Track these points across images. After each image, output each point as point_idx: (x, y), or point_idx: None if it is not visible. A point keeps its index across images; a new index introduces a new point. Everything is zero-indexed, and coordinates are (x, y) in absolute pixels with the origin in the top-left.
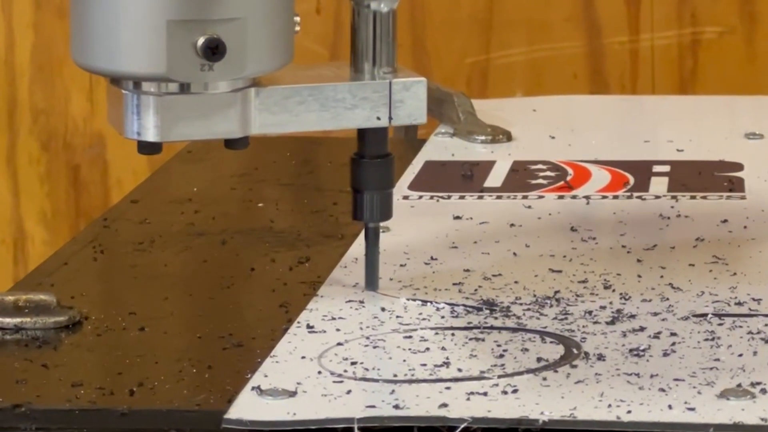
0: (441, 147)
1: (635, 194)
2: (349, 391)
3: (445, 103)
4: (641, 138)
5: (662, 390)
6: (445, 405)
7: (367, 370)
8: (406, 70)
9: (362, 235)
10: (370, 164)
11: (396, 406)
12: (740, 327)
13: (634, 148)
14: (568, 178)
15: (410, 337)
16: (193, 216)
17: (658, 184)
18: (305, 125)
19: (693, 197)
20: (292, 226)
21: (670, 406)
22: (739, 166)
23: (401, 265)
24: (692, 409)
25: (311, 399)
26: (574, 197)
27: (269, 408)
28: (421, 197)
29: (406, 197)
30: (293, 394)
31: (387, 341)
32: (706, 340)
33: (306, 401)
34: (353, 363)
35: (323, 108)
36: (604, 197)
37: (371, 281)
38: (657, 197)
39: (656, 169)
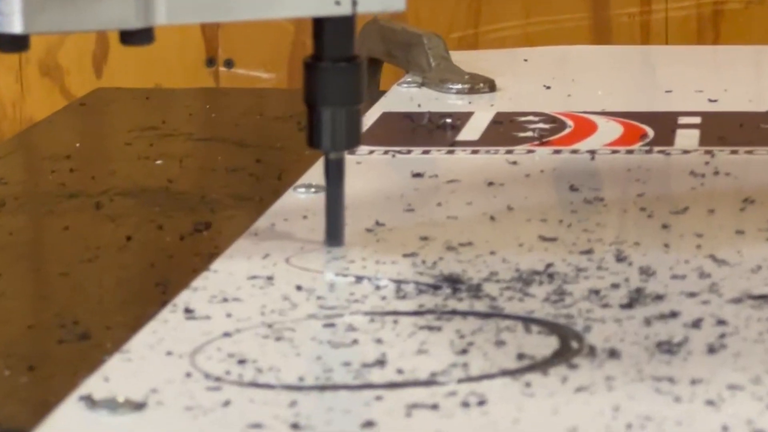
0: (405, 97)
1: (656, 149)
2: (227, 402)
3: (412, 47)
4: (661, 88)
5: (710, 403)
6: (370, 424)
7: (260, 371)
8: None
9: (287, 195)
10: (330, 70)
11: (294, 426)
12: None
13: (652, 98)
14: (566, 131)
15: (332, 325)
16: (67, 175)
17: (687, 138)
18: (232, 12)
19: (734, 152)
20: (196, 187)
21: (725, 428)
22: None
23: None
24: None
25: (167, 415)
26: (574, 152)
27: (99, 428)
28: (372, 152)
29: (350, 152)
30: (141, 406)
31: (297, 331)
32: None
33: (158, 418)
34: (241, 362)
35: None
36: (615, 152)
37: (334, 234)
38: (686, 152)
39: (683, 120)
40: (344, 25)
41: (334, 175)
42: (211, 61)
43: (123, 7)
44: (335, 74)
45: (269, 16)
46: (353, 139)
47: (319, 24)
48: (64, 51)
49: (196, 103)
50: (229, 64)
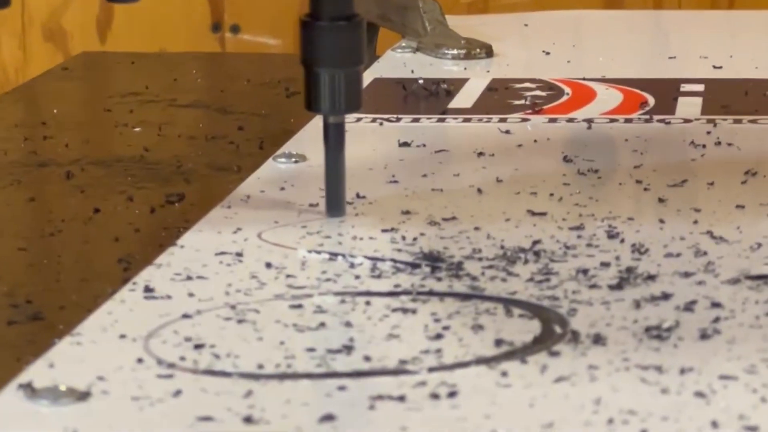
0: (398, 63)
1: (656, 117)
2: (177, 392)
3: (408, 10)
4: (665, 54)
5: (700, 395)
6: (329, 418)
7: (217, 357)
8: None
9: (266, 165)
10: (328, 29)
11: (247, 419)
12: None
13: (655, 65)
14: (564, 98)
15: (300, 306)
16: (39, 143)
17: (688, 106)
18: None
19: (737, 121)
20: (172, 156)
21: (714, 424)
22: None
23: (311, 205)
24: (753, 430)
25: (111, 405)
26: (570, 120)
27: (38, 419)
28: (359, 120)
29: None
30: (84, 396)
31: (262, 313)
32: None
33: (101, 409)
34: (198, 346)
35: None
36: (613, 120)
37: (334, 204)
38: (687, 121)
39: (685, 88)
40: None
41: (334, 141)
42: (216, 27)
43: None
44: (334, 34)
45: None
46: (354, 102)
47: None
48: (68, 16)
49: (184, 69)
50: (234, 29)
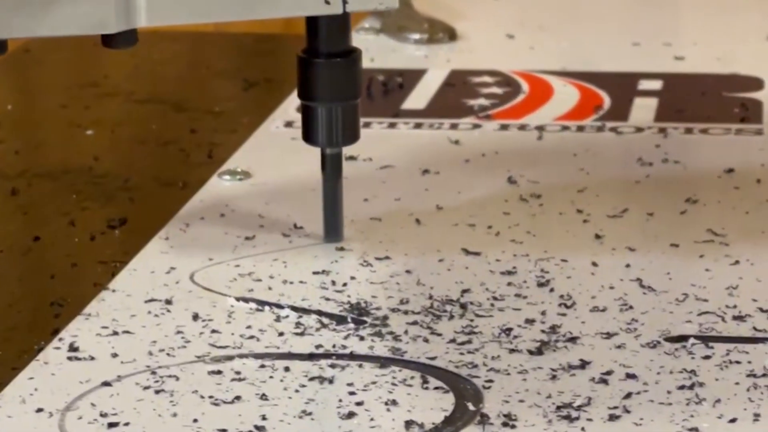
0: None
1: (608, 124)
2: None
3: None
4: (630, 39)
5: None
6: None
7: None
8: None
9: (210, 183)
10: (326, 66)
11: None
12: (737, 363)
13: (617, 53)
14: (520, 97)
15: (219, 372)
16: None
17: (643, 110)
18: (216, 12)
19: (689, 131)
20: (121, 167)
21: None
22: (757, 83)
23: (247, 238)
24: None
25: None
26: (522, 128)
27: None
28: None
29: (288, 124)
30: None
31: (181, 380)
32: (683, 388)
33: None
34: (112, 425)
35: None
36: (565, 128)
37: (332, 230)
38: (639, 130)
39: (643, 85)
40: (340, 20)
41: (331, 170)
42: None
43: (102, 10)
44: (332, 71)
45: (255, 17)
46: (351, 134)
47: (313, 19)
48: None
49: (149, 52)
50: None
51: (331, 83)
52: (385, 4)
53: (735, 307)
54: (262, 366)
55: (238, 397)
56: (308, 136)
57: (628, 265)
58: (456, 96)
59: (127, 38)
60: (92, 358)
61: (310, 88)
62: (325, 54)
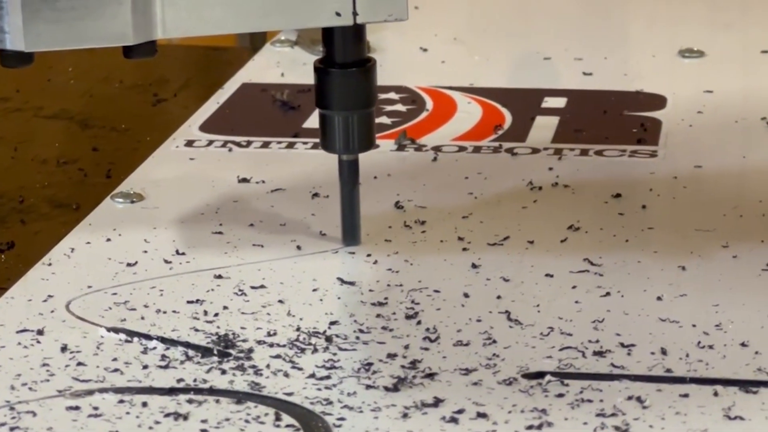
0: (272, 62)
1: (505, 145)
2: None
3: None
4: (543, 53)
5: None
6: None
7: None
8: None
9: (103, 205)
10: (341, 75)
11: None
12: (589, 401)
13: (527, 68)
14: (422, 115)
15: (77, 408)
16: None
17: (543, 129)
18: (231, 24)
19: (584, 152)
20: (17, 187)
21: None
22: (660, 101)
23: (129, 264)
24: None
25: None
26: (418, 148)
27: None
28: (210, 143)
29: (189, 143)
30: None
31: (38, 416)
32: (531, 428)
33: None
34: None
35: None
36: (461, 149)
37: (350, 234)
38: (534, 151)
39: (547, 103)
40: (354, 31)
41: (348, 176)
42: None
43: (122, 24)
44: (347, 80)
45: (269, 28)
46: (366, 141)
47: (328, 31)
48: None
49: (65, 65)
50: None
51: (346, 92)
52: (395, 16)
53: (597, 341)
54: (121, 401)
55: None
56: (325, 142)
57: (499, 297)
58: None
59: (146, 50)
60: None
61: (326, 98)
62: (340, 64)
